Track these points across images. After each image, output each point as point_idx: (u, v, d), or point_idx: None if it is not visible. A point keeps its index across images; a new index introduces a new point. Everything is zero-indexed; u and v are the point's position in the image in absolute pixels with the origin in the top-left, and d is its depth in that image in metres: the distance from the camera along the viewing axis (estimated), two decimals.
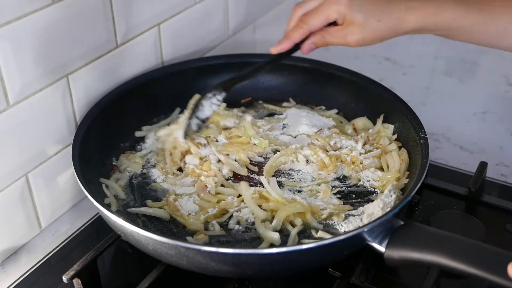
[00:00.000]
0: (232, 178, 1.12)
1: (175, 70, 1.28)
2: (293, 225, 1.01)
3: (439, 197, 1.13)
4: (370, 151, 1.15)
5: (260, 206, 1.03)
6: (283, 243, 0.98)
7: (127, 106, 1.19)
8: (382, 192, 1.07)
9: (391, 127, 1.19)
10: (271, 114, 1.31)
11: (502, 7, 1.02)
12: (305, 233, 1.01)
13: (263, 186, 1.07)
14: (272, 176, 1.11)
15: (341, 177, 1.12)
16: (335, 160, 1.12)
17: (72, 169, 1.00)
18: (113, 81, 1.19)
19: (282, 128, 1.24)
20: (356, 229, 0.89)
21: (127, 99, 1.19)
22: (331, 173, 1.11)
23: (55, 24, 1.02)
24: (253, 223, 1.02)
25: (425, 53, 1.67)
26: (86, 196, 0.95)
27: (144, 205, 1.06)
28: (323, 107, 1.30)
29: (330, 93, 1.30)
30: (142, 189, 1.11)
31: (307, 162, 1.14)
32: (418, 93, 1.49)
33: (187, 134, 1.12)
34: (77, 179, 0.98)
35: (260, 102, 1.33)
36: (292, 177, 1.12)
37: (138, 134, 1.21)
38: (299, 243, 0.98)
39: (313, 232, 1.00)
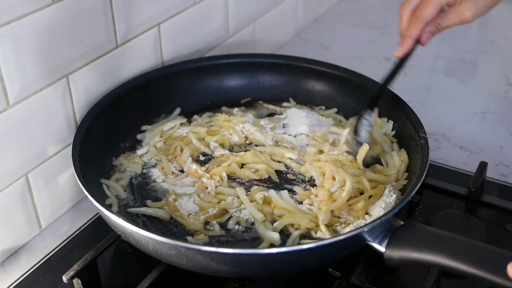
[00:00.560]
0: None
1: (175, 70, 1.28)
2: (295, 228, 1.01)
3: (439, 197, 1.13)
4: None
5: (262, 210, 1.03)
6: (283, 243, 0.98)
7: (127, 106, 1.19)
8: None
9: (390, 124, 1.19)
10: (271, 114, 1.30)
11: None
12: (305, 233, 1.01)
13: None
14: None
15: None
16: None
17: (72, 169, 1.00)
18: (113, 81, 1.19)
19: (283, 127, 1.24)
20: (356, 229, 0.89)
21: (127, 99, 1.19)
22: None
23: (55, 24, 1.02)
24: (253, 223, 1.02)
25: (425, 53, 1.66)
26: (86, 196, 0.95)
27: (144, 205, 1.06)
28: (323, 107, 1.30)
29: (330, 93, 1.30)
30: (142, 189, 1.11)
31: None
32: (418, 93, 1.49)
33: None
34: (77, 179, 0.98)
35: (260, 102, 1.33)
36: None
37: (139, 137, 1.22)
38: (299, 243, 0.98)
39: (312, 232, 1.00)
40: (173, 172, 1.13)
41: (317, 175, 1.10)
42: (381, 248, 0.90)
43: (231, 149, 1.19)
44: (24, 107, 1.01)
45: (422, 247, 0.87)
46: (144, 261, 0.96)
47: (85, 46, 1.10)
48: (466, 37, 1.78)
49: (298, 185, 1.10)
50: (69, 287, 0.94)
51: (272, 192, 1.04)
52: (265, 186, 1.09)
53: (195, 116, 1.27)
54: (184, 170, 1.13)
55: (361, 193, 1.06)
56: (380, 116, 1.21)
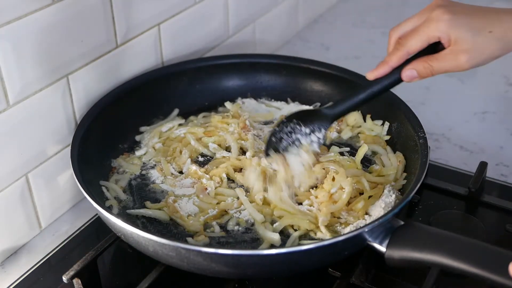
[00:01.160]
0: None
1: (175, 70, 1.28)
2: (294, 229, 1.01)
3: (439, 197, 1.13)
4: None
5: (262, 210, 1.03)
6: (283, 244, 0.98)
7: (126, 106, 1.19)
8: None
9: (386, 126, 1.19)
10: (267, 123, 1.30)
11: None
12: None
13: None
14: None
15: None
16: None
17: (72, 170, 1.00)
18: (113, 81, 1.19)
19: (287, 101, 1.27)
20: (357, 229, 0.89)
21: (127, 99, 1.19)
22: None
23: (55, 24, 1.02)
24: (253, 224, 1.02)
25: None
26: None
27: (143, 206, 1.06)
28: (318, 104, 1.30)
29: (329, 93, 1.30)
30: (141, 191, 1.10)
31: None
32: (418, 93, 1.49)
33: (268, 154, 1.05)
34: (76, 181, 0.97)
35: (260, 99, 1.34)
36: None
37: (138, 138, 1.21)
38: (299, 244, 0.98)
39: (312, 234, 1.00)
40: (172, 173, 1.12)
41: (320, 176, 1.08)
42: (382, 248, 0.90)
43: (228, 149, 1.18)
44: (24, 107, 1.01)
45: (423, 247, 0.87)
46: (144, 261, 0.96)
47: (85, 46, 1.10)
48: None
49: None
50: (69, 287, 0.94)
51: (271, 194, 1.04)
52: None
53: (192, 117, 1.27)
54: (184, 171, 1.13)
55: (361, 193, 1.06)
56: (377, 117, 1.21)
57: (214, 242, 0.99)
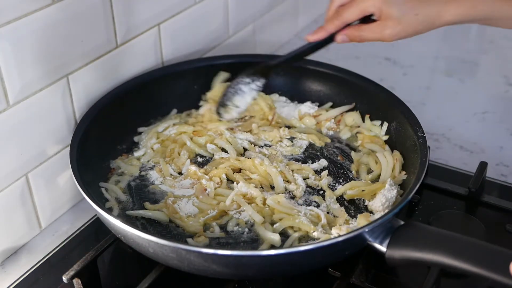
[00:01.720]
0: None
1: (175, 70, 1.28)
2: (295, 230, 1.00)
3: (439, 197, 1.13)
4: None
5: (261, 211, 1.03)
6: (283, 244, 0.98)
7: (126, 106, 1.18)
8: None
9: (384, 126, 1.19)
10: None
11: None
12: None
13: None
14: None
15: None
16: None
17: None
18: (113, 81, 1.19)
19: (285, 101, 1.30)
20: (357, 229, 0.89)
21: (126, 99, 1.19)
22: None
23: (55, 24, 1.02)
24: (253, 225, 1.01)
25: (425, 53, 1.67)
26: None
27: (143, 207, 1.06)
28: (317, 103, 1.30)
29: (327, 93, 1.30)
30: (140, 192, 1.10)
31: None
32: (418, 93, 1.49)
33: (220, 113, 1.16)
34: (76, 182, 0.97)
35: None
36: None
37: (136, 138, 1.21)
38: (299, 244, 0.97)
39: (311, 234, 1.00)
40: (171, 174, 1.12)
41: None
42: (382, 248, 0.90)
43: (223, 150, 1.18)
44: (24, 107, 1.01)
45: (423, 247, 0.87)
46: (144, 261, 0.96)
47: (85, 46, 1.09)
48: (466, 37, 1.78)
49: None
50: (69, 287, 0.94)
51: (269, 201, 1.03)
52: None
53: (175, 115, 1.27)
54: (183, 172, 1.12)
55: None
56: (376, 117, 1.21)
57: (214, 243, 0.99)
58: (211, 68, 1.30)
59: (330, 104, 1.29)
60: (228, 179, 1.11)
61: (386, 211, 1.00)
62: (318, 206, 1.05)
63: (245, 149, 1.18)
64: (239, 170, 1.13)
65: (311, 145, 1.21)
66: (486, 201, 1.12)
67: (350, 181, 1.11)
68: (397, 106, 1.16)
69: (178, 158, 1.15)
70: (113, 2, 1.12)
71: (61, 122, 1.09)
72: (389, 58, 1.64)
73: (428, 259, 0.86)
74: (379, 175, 1.11)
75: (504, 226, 1.07)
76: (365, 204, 1.06)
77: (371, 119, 1.22)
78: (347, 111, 1.26)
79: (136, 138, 1.21)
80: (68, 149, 1.04)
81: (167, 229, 1.02)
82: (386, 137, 1.18)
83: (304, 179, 1.11)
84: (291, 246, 0.97)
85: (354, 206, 1.07)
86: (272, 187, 1.09)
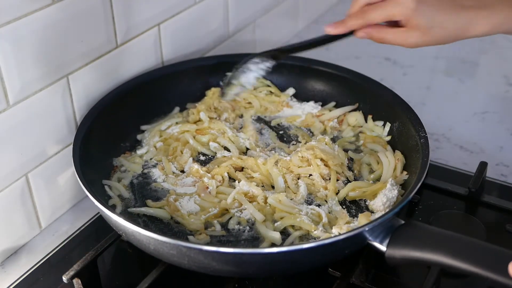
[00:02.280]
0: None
1: (175, 70, 1.28)
2: (296, 228, 1.00)
3: (439, 197, 1.13)
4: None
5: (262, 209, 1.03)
6: (284, 242, 0.98)
7: (127, 106, 1.19)
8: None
9: (387, 127, 1.19)
10: None
11: None
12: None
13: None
14: None
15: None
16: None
17: (73, 169, 1.00)
18: (113, 81, 1.19)
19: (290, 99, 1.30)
20: (357, 228, 0.89)
21: (127, 99, 1.19)
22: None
23: (55, 24, 1.02)
24: (254, 223, 1.02)
25: (425, 53, 1.67)
26: (87, 196, 0.95)
27: (145, 205, 1.06)
28: (320, 102, 1.30)
29: (330, 93, 1.30)
30: (142, 189, 1.10)
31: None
32: (418, 93, 1.49)
33: (224, 93, 1.14)
34: (79, 180, 0.97)
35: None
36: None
37: (139, 137, 1.21)
38: (300, 242, 0.97)
39: (311, 233, 1.00)
40: (173, 172, 1.13)
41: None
42: (382, 247, 0.90)
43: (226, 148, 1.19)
44: (24, 107, 1.01)
45: (423, 246, 0.87)
46: (144, 261, 0.96)
47: (85, 46, 1.09)
48: None
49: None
50: (69, 287, 0.94)
51: (271, 200, 1.03)
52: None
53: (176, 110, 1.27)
54: (185, 170, 1.13)
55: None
56: (378, 117, 1.21)
57: (215, 240, 0.99)
58: (211, 68, 1.30)
59: (333, 103, 1.29)
60: (230, 178, 1.11)
61: (387, 210, 1.00)
62: (319, 206, 1.05)
63: (247, 149, 1.19)
64: (241, 169, 1.13)
65: None
66: (486, 201, 1.12)
67: (351, 181, 1.11)
68: (400, 106, 1.16)
69: (180, 156, 1.15)
70: (113, 2, 1.12)
71: (61, 122, 1.09)
72: (389, 58, 1.64)
73: (428, 259, 0.86)
74: (381, 175, 1.11)
75: (504, 226, 1.07)
76: (366, 203, 1.06)
77: (374, 119, 1.22)
78: (350, 111, 1.26)
79: (139, 136, 1.21)
80: (68, 148, 1.05)
81: (169, 226, 1.02)
82: (388, 138, 1.18)
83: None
84: (291, 244, 0.97)
85: (355, 206, 1.07)
86: (273, 187, 1.09)
